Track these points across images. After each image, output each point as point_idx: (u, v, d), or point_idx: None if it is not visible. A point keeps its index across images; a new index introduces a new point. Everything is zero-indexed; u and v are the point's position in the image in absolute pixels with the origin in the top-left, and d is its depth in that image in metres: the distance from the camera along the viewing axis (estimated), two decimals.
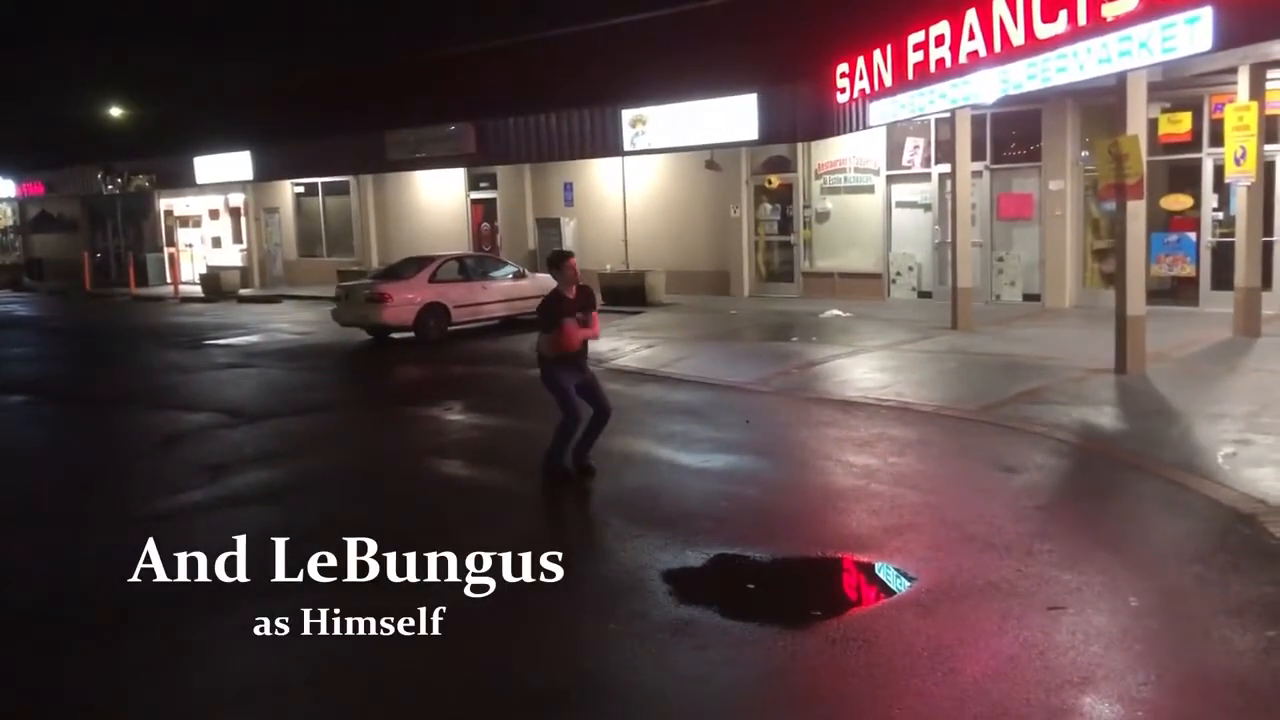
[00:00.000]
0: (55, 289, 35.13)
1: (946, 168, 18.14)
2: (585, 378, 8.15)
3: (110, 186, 33.68)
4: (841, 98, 15.91)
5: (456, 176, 26.60)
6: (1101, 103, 15.80)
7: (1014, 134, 17.71)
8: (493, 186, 25.98)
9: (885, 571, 5.96)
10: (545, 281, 19.92)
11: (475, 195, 26.57)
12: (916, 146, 18.89)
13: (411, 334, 17.61)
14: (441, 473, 9.03)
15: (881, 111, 14.99)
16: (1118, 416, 9.55)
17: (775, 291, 21.11)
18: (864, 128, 17.16)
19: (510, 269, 19.33)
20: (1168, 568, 5.85)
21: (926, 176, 18.85)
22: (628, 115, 20.83)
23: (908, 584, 5.74)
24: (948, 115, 15.37)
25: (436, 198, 27.43)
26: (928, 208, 18.94)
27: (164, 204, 36.06)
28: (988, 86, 11.57)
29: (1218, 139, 14.98)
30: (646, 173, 22.73)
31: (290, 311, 24.48)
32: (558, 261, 8.08)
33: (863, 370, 12.69)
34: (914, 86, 13.43)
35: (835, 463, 8.50)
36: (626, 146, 20.87)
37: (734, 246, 21.44)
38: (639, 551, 6.37)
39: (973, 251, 17.35)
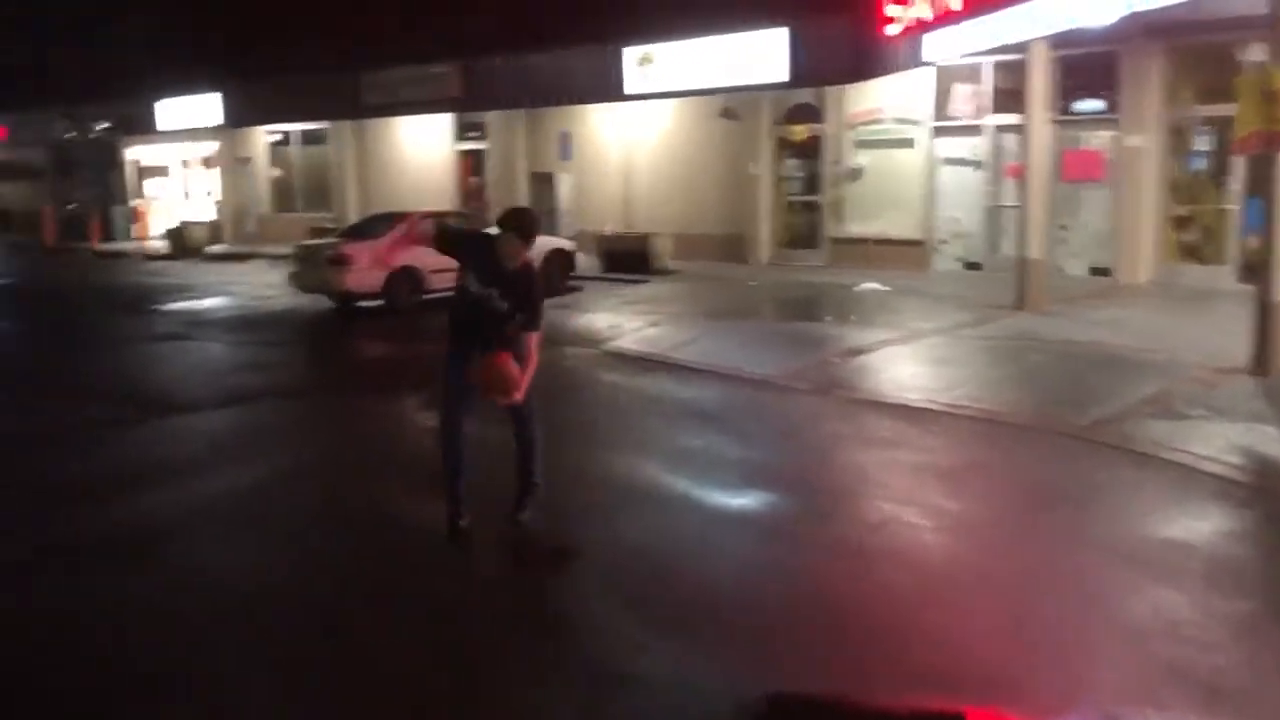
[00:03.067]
0: (16, 243, 32.56)
1: (1004, 118, 15.72)
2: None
3: (70, 132, 31.19)
4: (892, 30, 13.35)
5: (443, 125, 24.05)
6: (1198, 42, 13.40)
7: (1082, 82, 15.15)
8: (482, 136, 23.42)
9: None
10: (536, 244, 17.50)
11: (462, 146, 24.01)
12: (968, 94, 16.35)
13: (380, 302, 15.20)
14: (379, 508, 6.60)
15: (943, 44, 12.44)
16: None
17: (798, 259, 18.64)
18: (920, 65, 14.58)
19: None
20: None
21: (978, 129, 16.31)
22: (632, 53, 18.22)
23: None
24: (1014, 58, 12.93)
25: (421, 149, 24.88)
26: (979, 165, 16.43)
27: (132, 153, 33.49)
28: (1105, 2, 9.02)
29: None
30: (654, 122, 20.18)
31: (256, 272, 22.03)
32: (516, 227, 5.54)
33: (921, 363, 10.28)
34: (992, 7, 10.88)
35: (918, 510, 6.11)
36: (630, 90, 18.28)
37: (751, 207, 18.93)
38: (642, 684, 3.99)
39: None
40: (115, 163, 33.66)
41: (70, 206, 33.68)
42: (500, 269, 5.46)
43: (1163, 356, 9.69)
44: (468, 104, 21.61)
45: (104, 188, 33.83)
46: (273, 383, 10.75)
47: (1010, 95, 15.73)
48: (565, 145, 21.71)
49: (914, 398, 8.70)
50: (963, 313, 12.68)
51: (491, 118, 22.75)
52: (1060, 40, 12.16)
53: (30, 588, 5.33)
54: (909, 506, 6.13)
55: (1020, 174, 15.55)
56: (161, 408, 9.49)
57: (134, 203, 32.06)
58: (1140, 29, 12.90)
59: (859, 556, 5.42)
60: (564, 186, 20.86)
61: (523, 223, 5.56)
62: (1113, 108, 14.90)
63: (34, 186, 36.85)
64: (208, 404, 9.63)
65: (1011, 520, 5.95)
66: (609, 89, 18.74)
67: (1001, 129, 15.96)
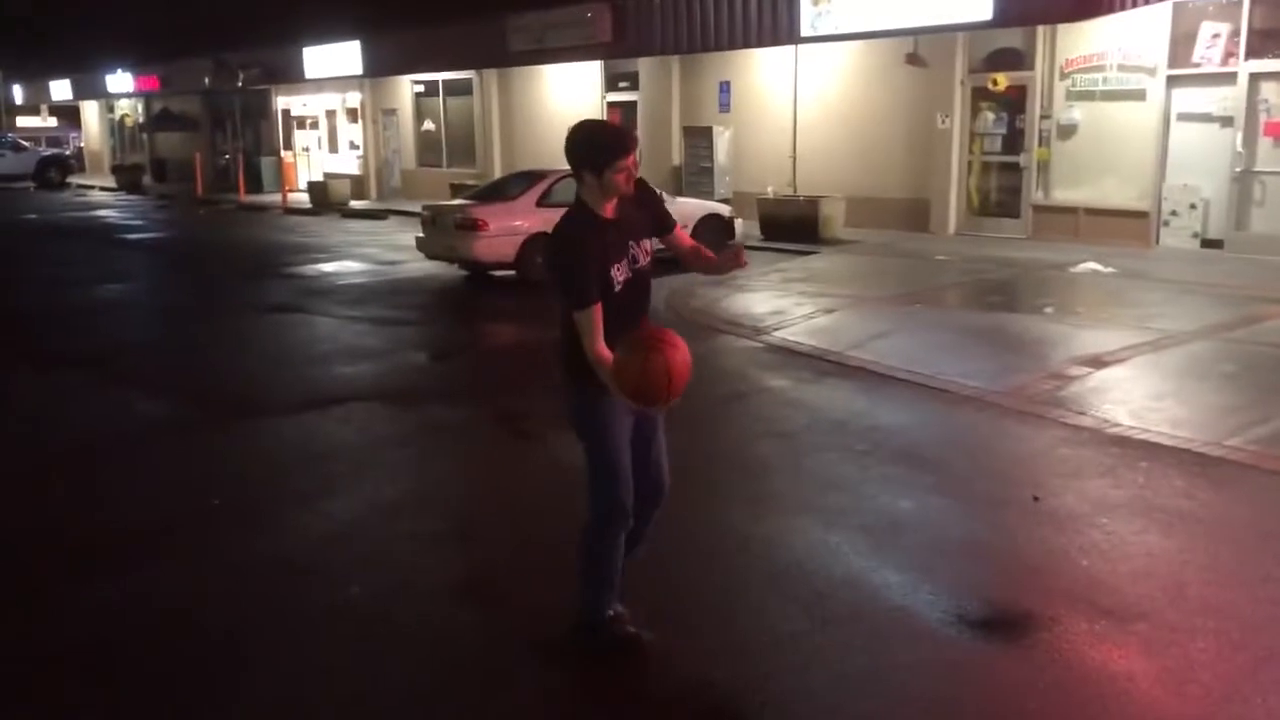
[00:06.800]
0: (167, 194, 32.35)
1: (1264, 64, 12.90)
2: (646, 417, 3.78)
3: (217, 80, 30.61)
4: None
5: (592, 75, 22.13)
6: None
7: None
8: (633, 87, 21.39)
9: None
10: (688, 208, 15.30)
11: (613, 97, 22.04)
12: (1216, 35, 13.44)
13: (513, 272, 13.44)
14: (475, 598, 4.72)
15: None
16: None
17: (992, 229, 16.06)
18: None
19: None
20: None
21: (1229, 78, 13.38)
22: None
23: None
24: None
25: (569, 100, 23.00)
26: (1227, 122, 13.51)
27: (281, 103, 32.82)
28: None
29: None
30: (826, 70, 17.77)
31: (391, 231, 20.67)
32: (602, 155, 3.55)
33: (1196, 380, 7.80)
34: None
35: None
36: (804, 31, 15.89)
37: (939, 168, 16.37)
38: None
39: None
40: (267, 113, 33.07)
41: (224, 157, 33.35)
42: (604, 220, 3.67)
43: None
44: (618, 49, 19.55)
45: (255, 138, 33.34)
46: (369, 379, 8.98)
47: (1271, 36, 12.89)
48: (724, 95, 19.52)
49: (1203, 438, 6.30)
50: (1217, 307, 10.07)
51: (644, 65, 20.70)
52: None
53: None
54: None
55: None
56: (230, 408, 7.91)
57: (283, 154, 31.37)
58: None
59: None
60: (721, 141, 18.70)
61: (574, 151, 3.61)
62: None
63: (189, 136, 36.75)
64: (284, 406, 7.90)
65: None
66: (778, 31, 16.40)
67: (1259, 77, 13.09)
